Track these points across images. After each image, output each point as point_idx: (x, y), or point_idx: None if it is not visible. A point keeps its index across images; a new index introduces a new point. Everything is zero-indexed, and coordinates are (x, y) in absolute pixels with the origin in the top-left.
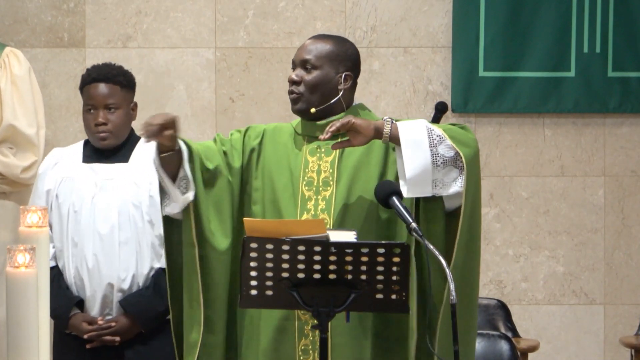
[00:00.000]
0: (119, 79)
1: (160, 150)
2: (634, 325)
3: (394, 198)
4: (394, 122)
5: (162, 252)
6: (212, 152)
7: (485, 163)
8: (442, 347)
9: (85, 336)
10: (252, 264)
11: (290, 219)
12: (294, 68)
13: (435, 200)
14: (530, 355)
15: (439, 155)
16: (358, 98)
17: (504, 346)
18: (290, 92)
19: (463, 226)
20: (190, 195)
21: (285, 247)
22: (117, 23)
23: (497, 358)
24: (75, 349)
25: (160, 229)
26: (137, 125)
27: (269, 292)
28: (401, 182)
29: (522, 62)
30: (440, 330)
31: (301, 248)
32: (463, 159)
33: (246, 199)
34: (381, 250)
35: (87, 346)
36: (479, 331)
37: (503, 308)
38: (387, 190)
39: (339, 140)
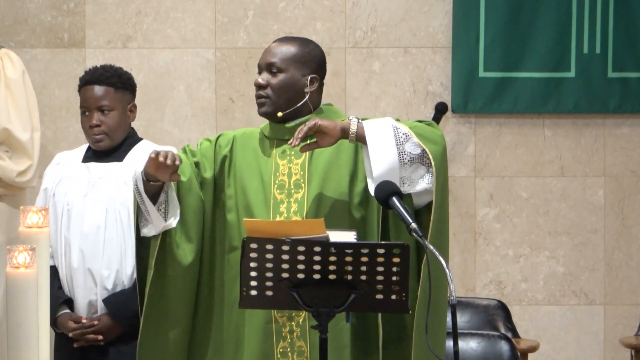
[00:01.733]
0: (112, 81)
1: (149, 179)
2: (634, 326)
3: (394, 198)
4: (360, 121)
5: None
6: (184, 165)
7: (485, 163)
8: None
9: (70, 334)
10: (252, 264)
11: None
12: (260, 72)
13: (404, 199)
14: (530, 356)
15: (406, 153)
16: (358, 98)
17: (503, 346)
18: (258, 97)
19: (433, 222)
20: (173, 223)
21: (285, 248)
22: (117, 23)
23: (497, 358)
24: (68, 348)
25: None
26: (136, 126)
27: (269, 293)
28: (369, 181)
29: (522, 62)
30: (427, 329)
31: (301, 248)
32: (430, 156)
33: (221, 208)
34: (381, 251)
35: (75, 345)
36: (478, 331)
37: (503, 308)
38: (387, 191)
39: (307, 142)
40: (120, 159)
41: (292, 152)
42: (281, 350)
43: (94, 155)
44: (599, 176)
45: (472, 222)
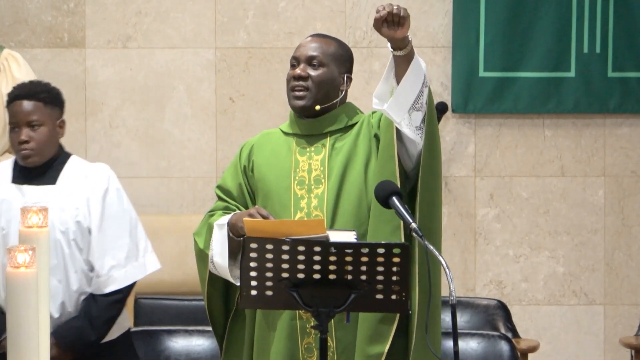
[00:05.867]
0: (41, 96)
1: (237, 235)
2: (633, 326)
3: (394, 198)
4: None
5: (92, 276)
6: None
7: (485, 163)
8: (433, 344)
9: None
10: (252, 264)
11: (283, 219)
12: (295, 65)
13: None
14: (530, 356)
15: (423, 95)
16: (358, 98)
17: (503, 346)
18: (296, 88)
19: (421, 186)
20: None
21: (285, 248)
22: (117, 23)
23: (497, 358)
24: None
25: (87, 254)
26: (136, 126)
27: (269, 293)
28: (381, 102)
29: (522, 62)
30: (430, 328)
31: (301, 248)
32: (425, 104)
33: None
34: (381, 251)
35: None
36: (478, 331)
37: (503, 308)
38: (386, 190)
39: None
40: (53, 180)
41: (312, 149)
42: (306, 346)
43: (24, 175)
44: (599, 176)
45: (472, 222)
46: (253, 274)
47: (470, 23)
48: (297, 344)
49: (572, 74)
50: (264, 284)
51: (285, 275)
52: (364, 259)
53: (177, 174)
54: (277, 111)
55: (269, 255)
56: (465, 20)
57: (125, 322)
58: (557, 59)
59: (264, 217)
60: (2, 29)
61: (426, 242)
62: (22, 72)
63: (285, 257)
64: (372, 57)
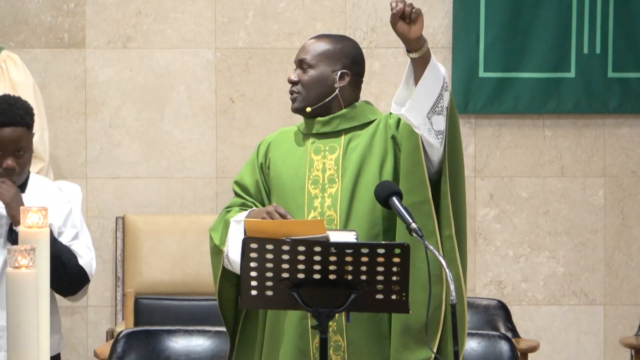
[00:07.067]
0: (25, 120)
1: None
2: (634, 326)
3: (394, 198)
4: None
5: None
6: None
7: (485, 163)
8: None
9: None
10: (252, 264)
11: (297, 218)
12: (295, 69)
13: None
14: (530, 356)
15: (443, 99)
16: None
17: (504, 346)
18: (290, 92)
19: (447, 175)
20: None
21: (285, 248)
22: (117, 24)
23: (497, 358)
24: None
25: None
26: (136, 126)
27: (269, 293)
28: (398, 107)
29: (522, 62)
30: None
31: (301, 248)
32: (446, 108)
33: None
34: (381, 251)
35: None
36: (479, 331)
37: (503, 308)
38: (386, 191)
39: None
40: (22, 190)
41: (327, 148)
42: (317, 345)
43: None
44: (599, 176)
45: (472, 222)
46: (253, 274)
47: (470, 23)
48: (308, 343)
49: (572, 74)
50: (264, 284)
51: (285, 275)
52: (364, 259)
53: (177, 174)
54: (277, 111)
55: (269, 256)
56: (465, 20)
57: (56, 344)
58: (557, 59)
59: (282, 215)
60: (2, 29)
61: (426, 243)
62: (20, 74)
63: (285, 257)
64: (372, 57)
